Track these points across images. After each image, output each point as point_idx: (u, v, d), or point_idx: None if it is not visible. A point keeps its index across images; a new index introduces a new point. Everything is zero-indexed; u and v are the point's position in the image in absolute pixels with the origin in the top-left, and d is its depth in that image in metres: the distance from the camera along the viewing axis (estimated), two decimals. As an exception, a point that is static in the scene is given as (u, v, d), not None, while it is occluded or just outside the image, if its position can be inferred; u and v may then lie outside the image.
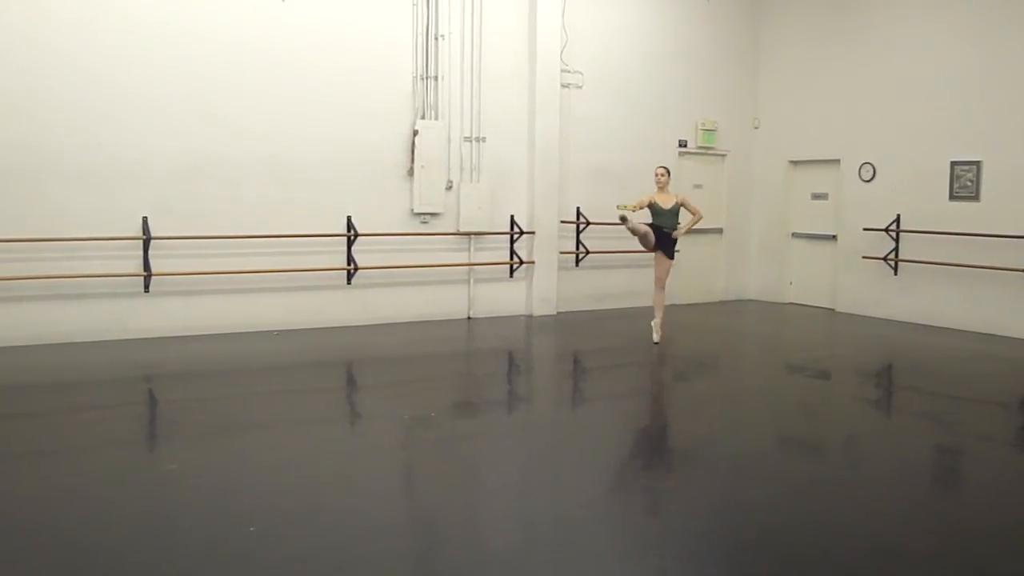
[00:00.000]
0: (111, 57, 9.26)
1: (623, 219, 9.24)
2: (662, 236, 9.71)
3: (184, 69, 9.61)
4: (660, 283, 9.94)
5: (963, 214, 11.25)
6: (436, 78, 11.07)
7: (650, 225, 9.66)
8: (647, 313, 10.29)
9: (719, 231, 13.97)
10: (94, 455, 5.91)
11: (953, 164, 11.39)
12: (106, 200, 9.29)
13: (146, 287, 9.47)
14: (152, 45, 9.43)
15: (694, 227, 10.22)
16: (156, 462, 5.97)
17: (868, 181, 12.48)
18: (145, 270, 9.42)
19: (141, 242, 9.40)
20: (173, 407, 7.43)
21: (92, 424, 6.69)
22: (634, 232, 9.51)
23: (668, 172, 9.90)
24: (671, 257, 9.93)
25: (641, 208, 9.59)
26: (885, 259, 12.11)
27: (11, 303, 8.94)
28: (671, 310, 12.73)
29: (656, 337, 9.92)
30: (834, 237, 13.05)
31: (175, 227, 9.56)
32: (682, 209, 9.85)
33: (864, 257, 12.38)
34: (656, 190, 9.83)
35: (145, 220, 9.42)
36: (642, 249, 10.03)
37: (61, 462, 5.76)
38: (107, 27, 9.22)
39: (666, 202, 9.75)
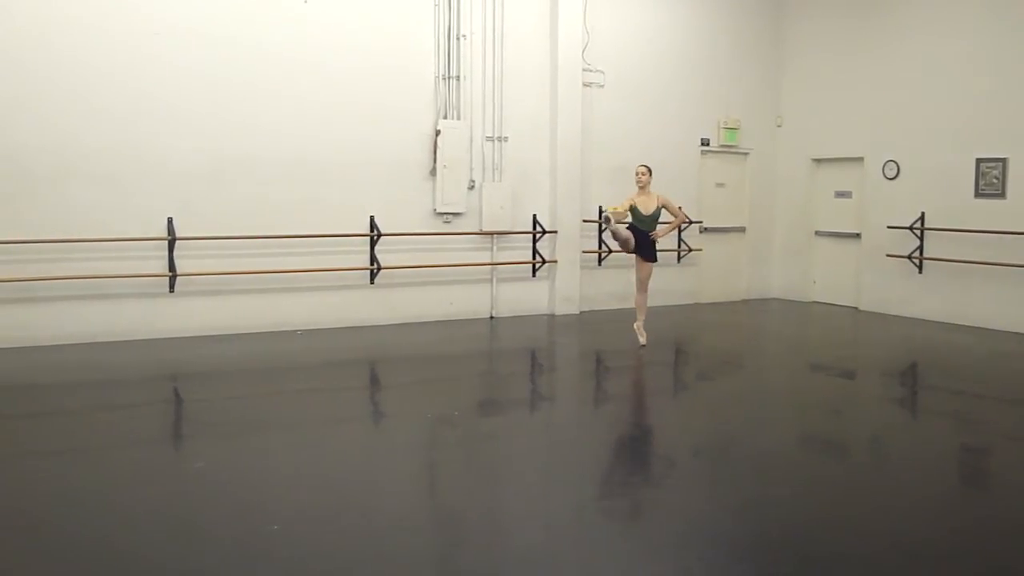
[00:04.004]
0: (134, 61, 9.36)
1: (607, 220, 9.01)
2: (643, 240, 9.35)
3: (207, 71, 9.70)
4: (642, 286, 9.65)
5: (989, 212, 11.14)
6: (458, 78, 11.10)
7: (630, 227, 9.35)
8: (669, 312, 10.28)
9: (742, 230, 13.92)
10: (121, 453, 5.98)
11: (979, 161, 11.28)
12: (131, 201, 9.40)
13: (171, 287, 9.57)
14: (175, 48, 9.53)
15: (681, 228, 9.94)
16: (183, 460, 6.04)
17: (892, 179, 12.39)
18: (170, 270, 9.51)
19: (166, 243, 9.49)
20: (199, 406, 7.51)
21: (119, 423, 6.78)
22: (615, 236, 9.22)
23: (650, 171, 9.47)
24: (653, 260, 9.56)
25: (626, 212, 9.22)
26: (910, 257, 12.01)
27: (39, 303, 9.06)
28: (694, 309, 12.76)
29: (642, 340, 9.64)
30: (858, 235, 12.96)
31: (200, 228, 9.65)
32: (663, 211, 9.51)
33: (888, 255, 12.28)
34: (637, 190, 9.44)
35: (170, 221, 9.52)
36: (622, 250, 9.52)
37: (88, 460, 5.84)
38: (130, 32, 9.32)
39: (647, 205, 9.33)
